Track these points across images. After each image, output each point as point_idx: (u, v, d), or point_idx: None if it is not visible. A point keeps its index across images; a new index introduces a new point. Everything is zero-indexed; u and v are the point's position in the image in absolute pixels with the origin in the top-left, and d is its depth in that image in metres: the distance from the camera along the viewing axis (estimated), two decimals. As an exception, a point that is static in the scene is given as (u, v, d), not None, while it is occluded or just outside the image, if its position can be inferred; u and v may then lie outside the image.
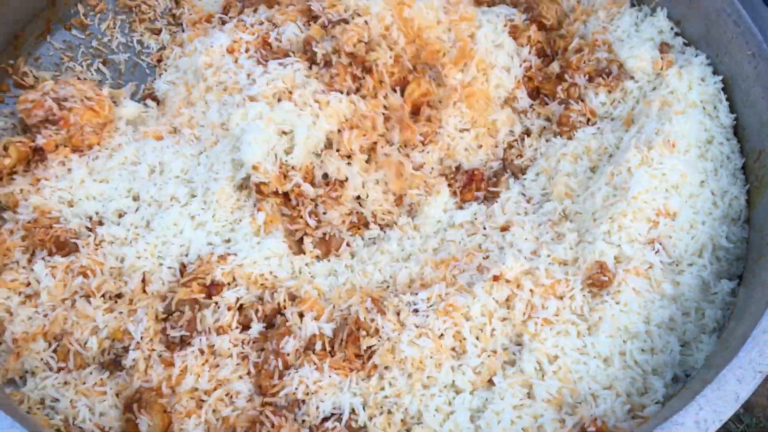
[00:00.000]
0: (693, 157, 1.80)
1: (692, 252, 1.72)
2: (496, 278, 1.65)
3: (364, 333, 1.59)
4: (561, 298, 1.64)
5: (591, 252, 1.68)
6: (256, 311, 1.68)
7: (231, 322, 1.65)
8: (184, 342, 1.64)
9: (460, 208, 1.92)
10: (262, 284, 1.73)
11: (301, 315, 1.65)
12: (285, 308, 1.67)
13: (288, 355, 1.58)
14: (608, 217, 1.71)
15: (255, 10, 2.21)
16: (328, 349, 1.61)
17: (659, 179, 1.74)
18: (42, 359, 1.64)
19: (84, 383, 1.62)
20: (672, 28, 2.05)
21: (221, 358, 1.62)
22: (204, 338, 1.63)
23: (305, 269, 1.81)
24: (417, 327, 1.59)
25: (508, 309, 1.64)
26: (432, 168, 1.96)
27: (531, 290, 1.64)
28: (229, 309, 1.66)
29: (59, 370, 1.64)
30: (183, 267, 1.76)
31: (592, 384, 1.55)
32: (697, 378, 1.53)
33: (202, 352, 1.62)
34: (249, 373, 1.61)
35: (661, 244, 1.69)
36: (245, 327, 1.67)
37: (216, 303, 1.68)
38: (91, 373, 1.64)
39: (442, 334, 1.59)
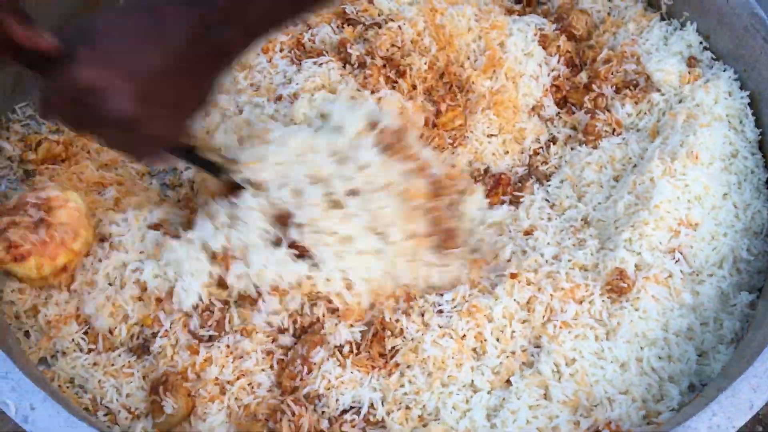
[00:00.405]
0: (717, 169, 1.82)
1: (713, 263, 1.74)
2: (513, 276, 1.68)
3: (389, 333, 1.63)
4: (580, 302, 1.66)
5: (612, 259, 1.70)
6: (294, 322, 1.69)
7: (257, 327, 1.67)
8: (211, 339, 1.68)
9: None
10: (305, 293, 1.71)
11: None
12: (324, 320, 1.68)
13: (314, 364, 1.62)
14: (630, 225, 1.74)
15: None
16: (354, 351, 1.64)
17: (682, 190, 1.76)
18: (73, 340, 1.70)
19: (113, 365, 1.67)
20: (701, 43, 2.07)
21: (246, 352, 1.66)
22: (231, 337, 1.66)
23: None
24: (441, 327, 1.63)
25: (528, 311, 1.67)
26: (462, 170, 2.00)
27: (551, 294, 1.66)
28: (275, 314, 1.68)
29: (89, 351, 1.69)
30: None
31: (608, 388, 1.57)
32: (712, 386, 1.55)
33: (227, 346, 1.66)
34: (272, 367, 1.65)
35: (681, 253, 1.71)
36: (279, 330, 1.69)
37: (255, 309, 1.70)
38: (119, 356, 1.69)
39: (464, 335, 1.62)
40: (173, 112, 1.28)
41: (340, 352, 1.63)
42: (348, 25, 2.09)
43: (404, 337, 1.62)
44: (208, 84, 1.29)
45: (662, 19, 2.14)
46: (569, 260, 1.73)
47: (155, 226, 1.82)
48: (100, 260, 1.74)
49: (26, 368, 1.47)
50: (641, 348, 1.62)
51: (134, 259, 1.76)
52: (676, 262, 1.70)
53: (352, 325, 1.66)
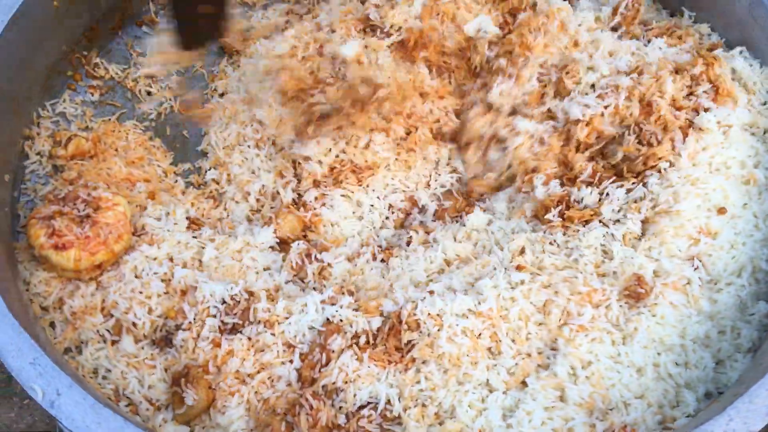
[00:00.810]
0: (737, 179, 1.83)
1: (731, 272, 1.74)
2: (520, 267, 1.72)
3: (405, 327, 1.64)
4: (597, 306, 1.67)
5: (630, 264, 1.71)
6: None
7: (280, 317, 1.71)
8: (235, 329, 1.71)
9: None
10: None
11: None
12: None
13: (333, 352, 1.64)
14: (651, 232, 1.75)
15: (315, 17, 2.31)
16: (371, 342, 1.67)
17: (702, 198, 1.77)
18: (98, 331, 1.73)
19: (135, 357, 1.70)
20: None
21: (267, 345, 1.69)
22: (255, 328, 1.70)
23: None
24: (457, 325, 1.64)
25: (545, 314, 1.68)
26: None
27: (568, 298, 1.67)
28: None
29: (113, 343, 1.73)
30: None
31: (624, 392, 1.58)
32: (729, 392, 1.55)
33: (249, 339, 1.68)
34: (291, 361, 1.67)
35: (700, 261, 1.72)
36: None
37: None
38: (142, 348, 1.72)
39: (480, 334, 1.64)
40: None
41: (357, 344, 1.65)
42: (371, 31, 2.13)
43: (420, 332, 1.64)
44: None
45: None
46: (586, 264, 1.74)
47: (194, 221, 1.89)
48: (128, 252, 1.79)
49: (53, 356, 1.50)
50: (658, 353, 1.63)
51: (167, 253, 1.81)
52: (695, 269, 1.71)
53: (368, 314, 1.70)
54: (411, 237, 1.96)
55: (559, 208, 1.84)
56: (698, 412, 1.56)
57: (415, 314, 1.65)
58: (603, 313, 1.66)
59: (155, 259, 1.79)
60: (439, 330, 1.62)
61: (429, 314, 1.64)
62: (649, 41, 2.10)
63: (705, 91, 1.91)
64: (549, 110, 2.02)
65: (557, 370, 1.60)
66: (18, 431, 2.36)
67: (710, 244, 1.74)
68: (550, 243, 1.80)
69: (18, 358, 1.46)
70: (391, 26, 2.10)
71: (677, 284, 1.68)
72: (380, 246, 1.96)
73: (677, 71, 1.96)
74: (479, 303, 1.67)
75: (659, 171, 1.82)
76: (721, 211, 1.78)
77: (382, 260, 1.93)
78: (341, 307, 1.69)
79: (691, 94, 1.92)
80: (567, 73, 2.01)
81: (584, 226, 1.80)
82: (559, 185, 1.90)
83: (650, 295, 1.67)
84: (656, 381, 1.60)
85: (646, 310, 1.66)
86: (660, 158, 1.82)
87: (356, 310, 1.69)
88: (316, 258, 1.88)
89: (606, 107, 1.91)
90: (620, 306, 1.67)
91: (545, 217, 1.85)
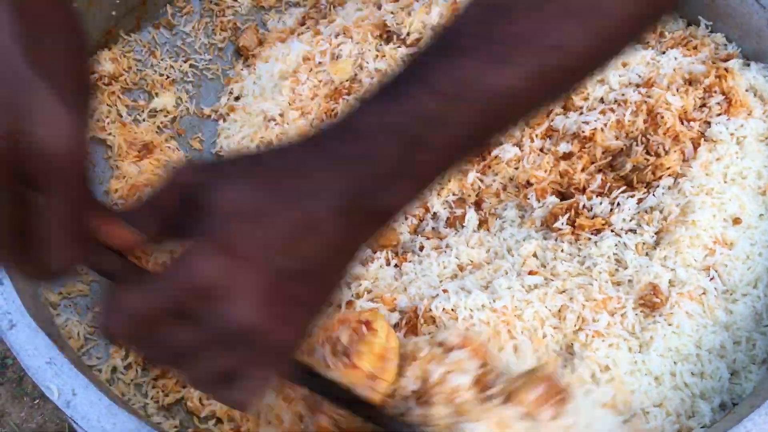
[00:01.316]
0: (754, 190, 1.84)
1: (747, 282, 1.74)
2: (532, 272, 1.72)
3: (422, 321, 1.65)
4: (612, 314, 1.67)
5: (645, 274, 1.71)
6: None
7: None
8: None
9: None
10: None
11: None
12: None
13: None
14: (666, 242, 1.75)
15: (331, 22, 2.31)
16: None
17: (718, 208, 1.77)
18: (112, 331, 1.73)
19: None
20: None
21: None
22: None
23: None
24: (472, 318, 1.64)
25: (560, 320, 1.67)
26: None
27: (583, 304, 1.67)
28: None
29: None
30: None
31: (643, 399, 1.58)
32: (745, 404, 1.55)
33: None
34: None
35: (716, 271, 1.72)
36: None
37: None
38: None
39: (498, 331, 1.63)
40: (301, 311, 0.80)
41: None
42: (388, 37, 2.13)
43: (437, 326, 1.64)
44: (349, 260, 0.83)
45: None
46: (600, 272, 1.74)
47: None
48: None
49: (70, 356, 1.50)
50: (674, 363, 1.63)
51: None
52: (711, 279, 1.71)
53: (393, 310, 1.69)
54: (423, 244, 1.96)
55: (568, 215, 1.84)
56: (713, 423, 1.56)
57: (430, 309, 1.65)
58: (618, 321, 1.66)
59: None
60: (455, 323, 1.62)
61: (444, 309, 1.64)
62: (663, 52, 2.10)
63: (718, 103, 1.92)
64: (551, 127, 2.02)
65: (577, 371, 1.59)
66: (28, 431, 2.36)
67: (726, 254, 1.74)
68: (562, 251, 1.80)
69: (34, 357, 1.46)
70: (408, 34, 2.10)
71: (693, 294, 1.68)
72: (395, 251, 1.96)
73: (690, 82, 1.97)
74: (494, 301, 1.66)
75: (669, 182, 1.82)
76: (737, 221, 1.78)
77: (396, 265, 1.93)
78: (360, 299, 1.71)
79: (703, 105, 1.93)
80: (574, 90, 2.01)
81: (595, 235, 1.80)
82: (558, 198, 1.89)
83: (665, 304, 1.67)
84: (673, 390, 1.60)
85: (661, 319, 1.66)
86: (668, 168, 1.82)
87: (373, 300, 1.70)
88: (331, 262, 1.88)
89: (606, 124, 1.91)
90: (636, 314, 1.67)
91: (554, 225, 1.85)
